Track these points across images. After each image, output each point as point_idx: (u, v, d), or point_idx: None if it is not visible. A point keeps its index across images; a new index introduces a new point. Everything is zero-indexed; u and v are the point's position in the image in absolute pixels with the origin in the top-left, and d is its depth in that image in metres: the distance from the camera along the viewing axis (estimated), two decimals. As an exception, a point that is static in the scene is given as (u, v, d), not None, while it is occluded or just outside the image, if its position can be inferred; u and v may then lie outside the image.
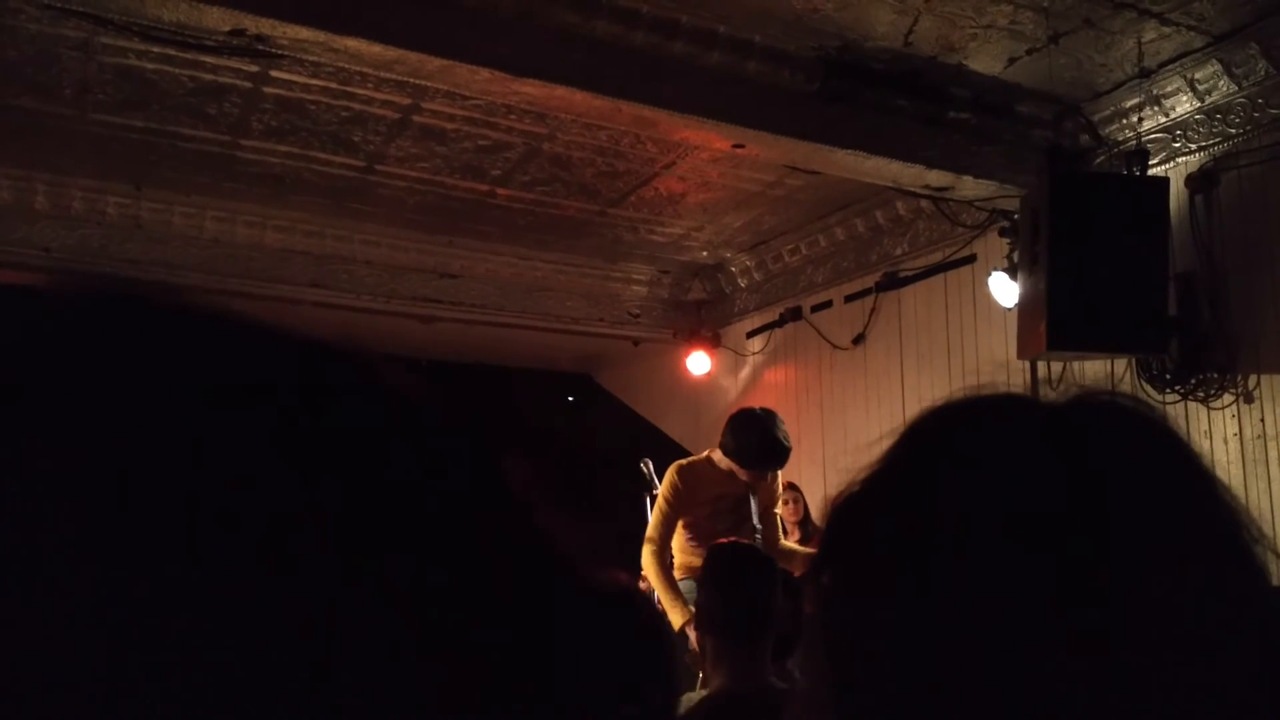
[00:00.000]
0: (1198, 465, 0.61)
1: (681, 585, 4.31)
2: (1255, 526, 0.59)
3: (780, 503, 4.74)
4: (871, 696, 0.58)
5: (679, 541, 4.44)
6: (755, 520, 4.28)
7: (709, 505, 4.32)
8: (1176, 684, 0.54)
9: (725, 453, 4.26)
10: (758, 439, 4.21)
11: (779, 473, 4.56)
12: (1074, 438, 0.60)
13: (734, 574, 2.39)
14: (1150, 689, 0.54)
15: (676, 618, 4.06)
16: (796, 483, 5.70)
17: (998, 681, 0.54)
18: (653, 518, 4.38)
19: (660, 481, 4.68)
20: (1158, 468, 0.60)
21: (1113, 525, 0.56)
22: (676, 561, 4.45)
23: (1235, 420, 4.29)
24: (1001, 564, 0.56)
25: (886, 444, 0.65)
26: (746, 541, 3.90)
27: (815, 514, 5.44)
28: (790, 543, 4.83)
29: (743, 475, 4.25)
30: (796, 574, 4.53)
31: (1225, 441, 4.30)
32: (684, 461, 4.48)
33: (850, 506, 0.65)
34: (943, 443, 0.63)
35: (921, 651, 0.56)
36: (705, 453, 4.50)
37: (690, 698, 2.31)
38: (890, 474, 0.64)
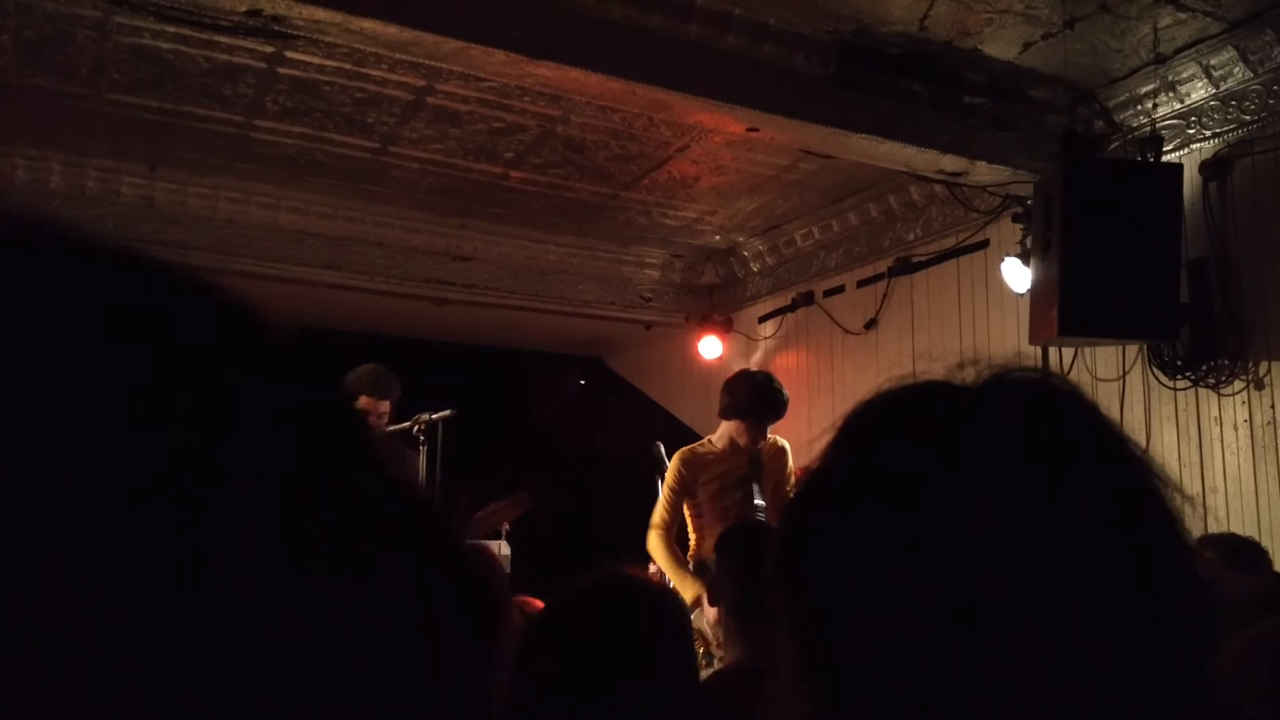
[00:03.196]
0: (1112, 433, 0.64)
1: (702, 565, 4.36)
2: (1167, 479, 0.62)
3: (792, 482, 4.78)
4: (834, 687, 0.61)
5: (691, 525, 4.50)
6: (758, 499, 4.34)
7: (716, 482, 4.40)
8: (1121, 648, 0.56)
9: (723, 414, 4.39)
10: (753, 389, 4.38)
11: (789, 449, 4.60)
12: (993, 417, 0.63)
13: (745, 552, 2.41)
14: (1097, 659, 0.56)
15: (687, 593, 4.13)
16: (803, 467, 5.72)
17: (945, 666, 0.56)
18: (658, 504, 4.46)
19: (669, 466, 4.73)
20: (1076, 440, 0.62)
21: (1041, 502, 0.58)
22: (691, 544, 4.52)
23: (1245, 407, 4.29)
24: (937, 547, 0.58)
25: (825, 439, 0.67)
26: (759, 520, 3.94)
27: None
28: None
29: (743, 439, 4.34)
30: None
31: (1235, 428, 4.31)
32: (685, 449, 4.56)
33: (796, 504, 0.68)
34: (873, 437, 0.66)
35: (871, 642, 0.59)
36: (705, 438, 4.58)
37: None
38: (828, 471, 0.66)
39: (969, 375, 0.66)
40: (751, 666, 2.24)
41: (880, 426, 0.66)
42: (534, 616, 1.63)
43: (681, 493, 4.43)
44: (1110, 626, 0.56)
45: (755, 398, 4.35)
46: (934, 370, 0.67)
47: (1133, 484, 0.61)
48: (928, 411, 0.65)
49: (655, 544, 4.39)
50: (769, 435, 4.58)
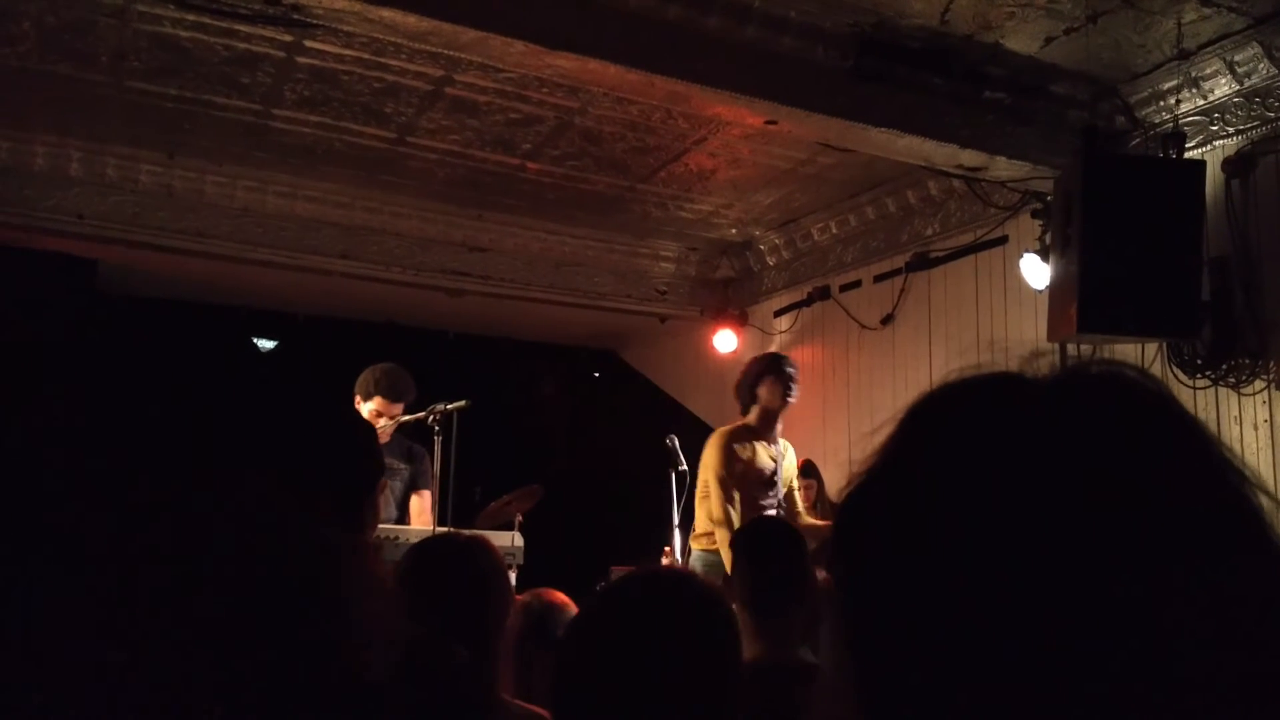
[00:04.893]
0: (1196, 429, 0.60)
1: (702, 556, 4.35)
2: (1255, 479, 0.58)
3: (798, 485, 4.83)
4: (887, 687, 0.58)
5: (702, 514, 4.49)
6: (782, 489, 4.38)
7: (749, 471, 4.45)
8: (1197, 664, 0.52)
9: (751, 383, 4.82)
10: (764, 355, 4.85)
11: (793, 451, 4.63)
12: (1071, 414, 0.59)
13: (763, 548, 2.40)
14: (1171, 671, 0.52)
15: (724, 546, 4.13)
16: (816, 462, 5.69)
17: (1006, 672, 0.53)
18: (715, 498, 4.42)
19: (683, 459, 4.72)
20: (1158, 436, 0.59)
21: (1118, 502, 0.55)
22: (698, 531, 4.50)
23: (1266, 406, 4.25)
24: (1007, 552, 0.55)
25: (885, 432, 0.64)
26: (776, 515, 3.97)
27: (834, 493, 5.46)
28: (810, 518, 4.87)
29: (775, 401, 4.64)
30: (811, 548, 4.63)
31: (1255, 428, 4.27)
32: (723, 429, 4.61)
33: (853, 502, 0.64)
34: (939, 431, 0.62)
35: (931, 643, 0.56)
36: (741, 421, 4.69)
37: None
38: (889, 466, 0.63)
39: (1042, 366, 0.63)
40: (767, 662, 2.23)
41: (948, 420, 0.62)
42: (582, 611, 1.61)
43: (735, 474, 4.49)
44: (1195, 641, 0.53)
45: (769, 359, 4.78)
46: (1001, 361, 0.63)
47: (1222, 486, 0.57)
48: (1000, 405, 0.61)
49: (726, 540, 4.15)
50: (780, 438, 4.61)
